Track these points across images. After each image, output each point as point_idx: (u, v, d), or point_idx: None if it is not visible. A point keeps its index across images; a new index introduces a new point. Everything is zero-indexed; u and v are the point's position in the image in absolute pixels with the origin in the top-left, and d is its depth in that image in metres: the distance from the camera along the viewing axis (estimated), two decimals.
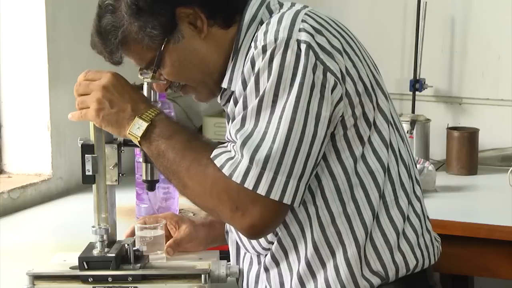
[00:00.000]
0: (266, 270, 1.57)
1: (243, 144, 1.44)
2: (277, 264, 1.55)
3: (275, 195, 1.43)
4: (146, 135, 1.53)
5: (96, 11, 1.57)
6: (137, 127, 1.53)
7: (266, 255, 1.56)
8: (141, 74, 1.60)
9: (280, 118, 1.42)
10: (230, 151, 1.47)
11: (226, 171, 1.44)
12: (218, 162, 1.46)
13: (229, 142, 1.50)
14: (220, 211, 1.47)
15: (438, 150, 3.06)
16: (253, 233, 1.48)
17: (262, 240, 1.55)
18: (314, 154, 1.44)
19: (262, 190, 1.42)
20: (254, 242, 1.56)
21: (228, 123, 1.55)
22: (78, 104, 1.59)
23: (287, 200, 1.43)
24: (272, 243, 1.54)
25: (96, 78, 1.57)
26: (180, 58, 1.55)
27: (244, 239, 1.58)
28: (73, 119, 1.61)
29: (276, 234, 1.53)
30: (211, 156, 1.47)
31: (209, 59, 1.56)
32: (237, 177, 1.43)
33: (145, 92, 1.62)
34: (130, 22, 1.53)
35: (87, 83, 1.58)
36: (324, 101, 1.43)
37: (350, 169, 1.49)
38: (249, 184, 1.42)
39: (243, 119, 1.46)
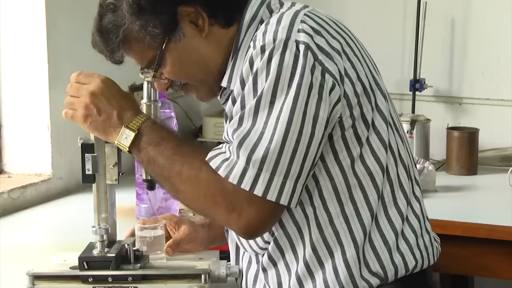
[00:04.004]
0: (264, 269, 1.57)
1: (240, 144, 1.43)
2: (274, 264, 1.55)
3: (271, 196, 1.42)
4: (134, 144, 1.53)
5: (97, 10, 1.57)
6: (125, 137, 1.53)
7: (263, 254, 1.56)
8: (142, 73, 1.60)
9: (278, 118, 1.42)
10: (225, 152, 1.47)
11: (222, 172, 1.44)
12: (213, 164, 1.45)
13: (224, 143, 1.50)
14: (215, 213, 1.47)
15: (438, 150, 3.06)
16: (249, 233, 1.48)
17: (258, 239, 1.55)
18: (312, 155, 1.44)
19: (258, 191, 1.42)
20: (251, 241, 1.56)
21: (226, 122, 1.55)
22: (66, 104, 1.59)
23: (283, 201, 1.43)
24: (269, 242, 1.54)
25: (87, 82, 1.57)
26: (181, 57, 1.55)
27: (242, 238, 1.58)
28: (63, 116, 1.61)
29: (273, 234, 1.53)
30: (206, 159, 1.47)
31: (210, 58, 1.56)
32: (233, 178, 1.43)
33: (144, 92, 1.62)
34: (131, 21, 1.52)
35: (78, 86, 1.57)
36: (322, 102, 1.43)
37: (348, 170, 1.49)
38: (245, 185, 1.42)
39: (241, 119, 1.46)
